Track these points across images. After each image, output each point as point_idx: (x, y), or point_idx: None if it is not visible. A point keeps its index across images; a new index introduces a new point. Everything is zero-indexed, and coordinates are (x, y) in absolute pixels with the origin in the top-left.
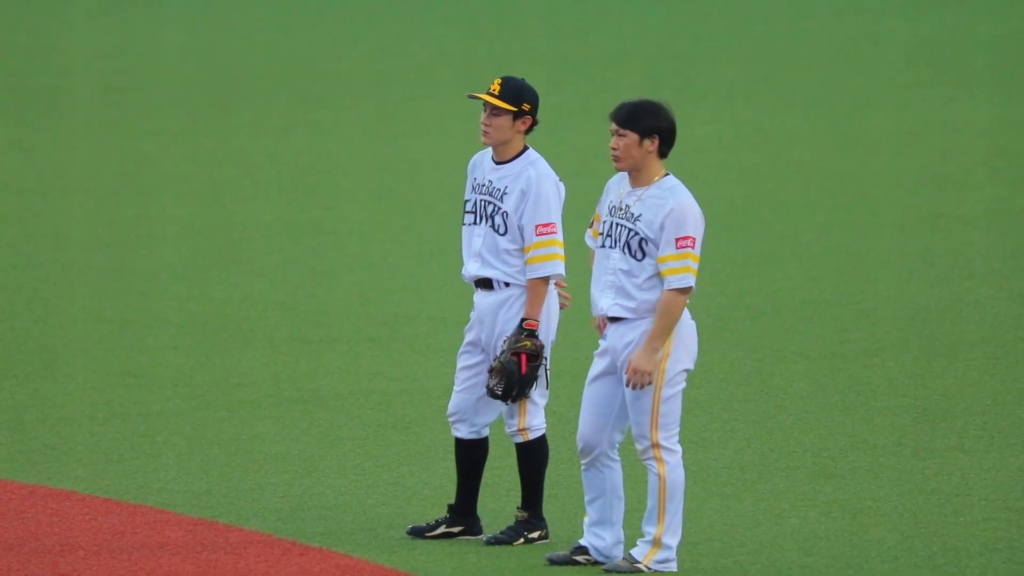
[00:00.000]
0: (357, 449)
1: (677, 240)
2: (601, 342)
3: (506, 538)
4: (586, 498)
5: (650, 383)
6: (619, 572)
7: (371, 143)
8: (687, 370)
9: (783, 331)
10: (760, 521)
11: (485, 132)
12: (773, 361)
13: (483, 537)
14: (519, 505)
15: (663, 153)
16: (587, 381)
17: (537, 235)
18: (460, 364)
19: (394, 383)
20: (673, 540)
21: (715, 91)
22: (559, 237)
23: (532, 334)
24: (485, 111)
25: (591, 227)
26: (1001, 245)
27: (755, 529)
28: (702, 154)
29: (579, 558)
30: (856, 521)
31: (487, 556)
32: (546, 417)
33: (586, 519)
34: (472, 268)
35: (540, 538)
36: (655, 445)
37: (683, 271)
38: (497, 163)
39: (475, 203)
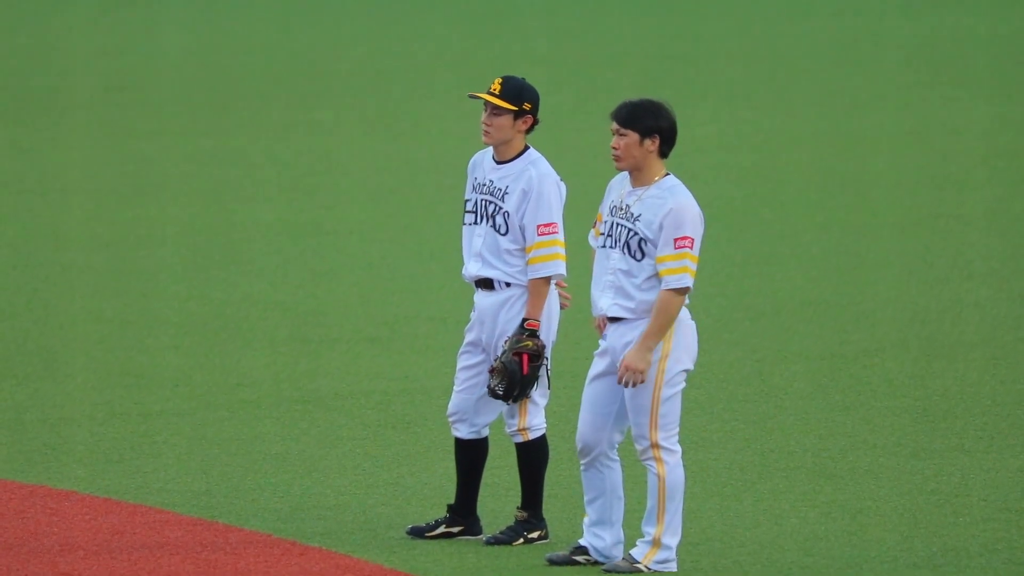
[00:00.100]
0: (357, 449)
1: (675, 240)
2: (601, 342)
3: (506, 538)
4: (586, 498)
5: (643, 381)
6: (619, 572)
7: (371, 143)
8: (687, 370)
9: (783, 332)
10: (760, 521)
11: (486, 132)
12: (773, 362)
13: (483, 537)
14: (519, 505)
15: (664, 153)
16: (587, 381)
17: (539, 235)
18: (460, 364)
19: (394, 383)
20: (673, 540)
21: (715, 91)
22: (560, 237)
23: (534, 334)
24: (486, 111)
25: (594, 227)
26: (1001, 246)
27: (755, 529)
28: (702, 154)
29: (579, 558)
30: (856, 521)
31: (487, 556)
32: (546, 417)
33: (586, 519)
34: (473, 268)
35: (540, 538)
36: (654, 445)
37: (681, 271)
38: (498, 163)
39: (475, 203)
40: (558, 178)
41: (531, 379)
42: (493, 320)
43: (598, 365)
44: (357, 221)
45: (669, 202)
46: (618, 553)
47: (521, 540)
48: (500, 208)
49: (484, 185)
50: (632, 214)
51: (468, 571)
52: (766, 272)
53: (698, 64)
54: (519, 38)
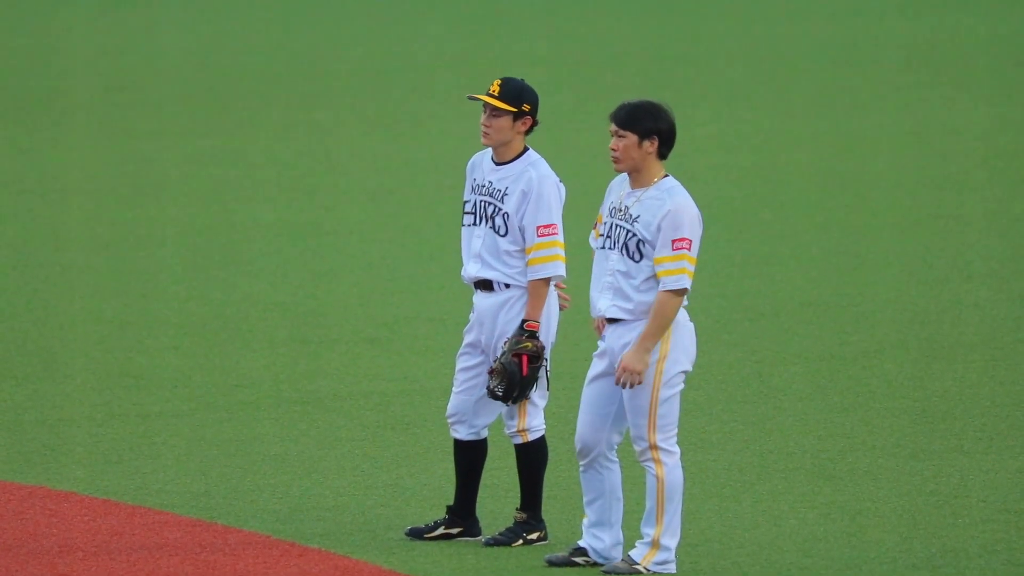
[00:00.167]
0: (356, 450)
1: (673, 242)
2: (600, 343)
3: (505, 539)
4: (585, 499)
5: (640, 382)
6: (618, 573)
7: (371, 143)
8: (685, 372)
9: (782, 332)
10: (759, 522)
11: (485, 133)
12: (772, 363)
13: (482, 538)
14: (518, 506)
15: (663, 154)
16: (586, 382)
17: (539, 236)
18: (459, 365)
19: (393, 384)
20: (672, 541)
21: (715, 92)
22: (560, 238)
23: (533, 335)
24: (485, 112)
25: (595, 228)
26: (1000, 247)
27: (754, 530)
28: (702, 155)
29: (578, 559)
30: (855, 523)
31: (486, 557)
32: (545, 418)
33: (585, 520)
34: (472, 269)
35: (539, 539)
36: (653, 447)
37: (678, 272)
38: (497, 164)
39: (475, 204)
40: (558, 179)
41: (530, 380)
42: (492, 321)
43: (597, 366)
44: (356, 222)
45: (667, 203)
46: (617, 554)
47: (520, 541)
48: (499, 209)
49: (483, 186)
50: (631, 215)
51: (467, 572)
52: (765, 273)
53: (698, 64)
54: (519, 39)
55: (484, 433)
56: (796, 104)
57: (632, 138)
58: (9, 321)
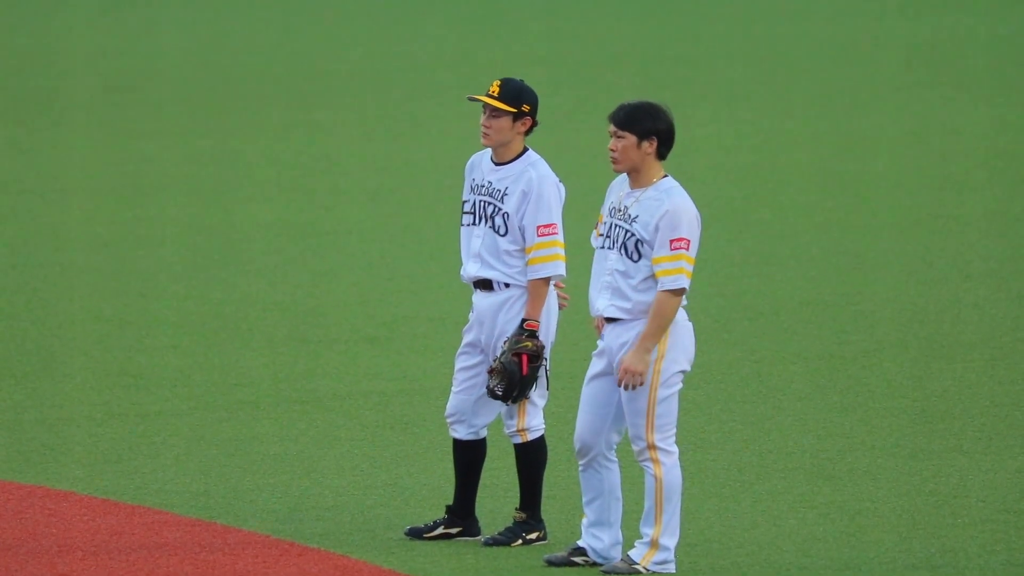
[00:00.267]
0: (355, 450)
1: (671, 242)
2: (599, 342)
3: (504, 539)
4: (584, 499)
5: (642, 383)
6: (617, 573)
7: (370, 143)
8: (683, 371)
9: (781, 332)
10: (758, 522)
11: (485, 134)
12: (771, 362)
13: (481, 538)
14: (517, 506)
15: (662, 155)
16: (585, 381)
17: (539, 236)
18: (458, 365)
19: (392, 384)
20: (671, 541)
21: (714, 92)
22: (560, 238)
23: (533, 335)
24: (485, 112)
25: (596, 228)
26: (1000, 247)
27: (753, 530)
28: (701, 155)
29: (577, 559)
30: (854, 522)
31: (485, 557)
32: (545, 418)
33: (584, 520)
34: (471, 269)
35: (538, 539)
36: (651, 446)
37: (676, 272)
38: (497, 164)
39: (474, 204)
40: (557, 179)
41: (530, 380)
42: (492, 321)
43: (596, 365)
44: (356, 221)
45: (665, 203)
46: (616, 554)
47: (520, 541)
48: (499, 209)
49: (483, 186)
50: (630, 215)
51: (467, 572)
52: (765, 272)
53: (698, 64)
54: (518, 39)
55: (483, 433)
56: (796, 104)
57: (631, 139)
58: (8, 320)
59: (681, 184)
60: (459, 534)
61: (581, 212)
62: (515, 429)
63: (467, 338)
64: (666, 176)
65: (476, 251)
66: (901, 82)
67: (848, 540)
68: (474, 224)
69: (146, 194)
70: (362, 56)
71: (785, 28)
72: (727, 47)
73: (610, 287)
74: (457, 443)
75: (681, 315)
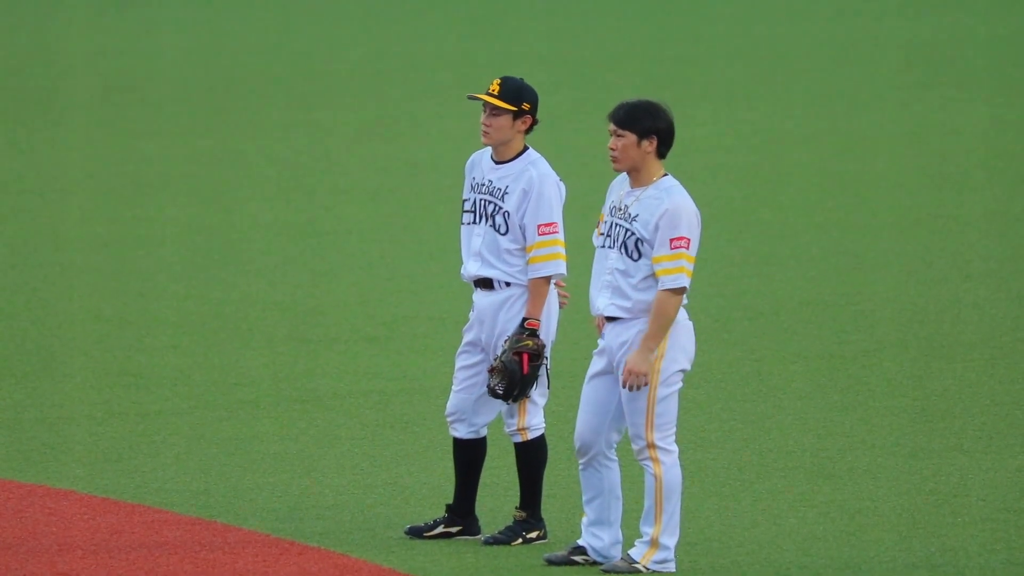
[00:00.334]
0: (355, 449)
1: (671, 241)
2: (600, 341)
3: (504, 538)
4: (584, 498)
5: (646, 384)
6: (617, 572)
7: (370, 143)
8: (683, 370)
9: (781, 332)
10: (758, 521)
11: (485, 132)
12: (771, 362)
13: (481, 537)
14: (517, 505)
15: (661, 153)
16: (585, 380)
17: (539, 235)
18: (459, 364)
19: (392, 383)
20: (671, 540)
21: (714, 92)
22: (561, 237)
23: (534, 334)
24: (485, 111)
25: (597, 227)
26: (999, 246)
27: (753, 529)
28: (701, 155)
29: (577, 558)
30: (854, 521)
31: (485, 556)
32: (545, 417)
33: (584, 519)
34: (472, 268)
35: (538, 538)
36: (650, 445)
37: (676, 271)
38: (497, 163)
39: (474, 202)
40: (558, 178)
41: (531, 378)
42: (493, 320)
43: (596, 364)
44: (356, 221)
45: (665, 202)
46: (616, 553)
47: (520, 540)
48: (500, 208)
49: (483, 185)
50: (630, 214)
51: (466, 571)
52: (765, 272)
53: (698, 64)
54: (518, 38)
55: (483, 432)
56: (796, 104)
57: (631, 137)
58: (8, 320)
59: (681, 183)
60: (459, 533)
61: (581, 211)
62: (515, 428)
63: (467, 337)
64: (666, 175)
65: (476, 250)
66: (901, 82)
67: (848, 539)
68: (474, 223)
69: (146, 194)
70: (362, 56)
71: (785, 28)
72: (727, 47)
73: (610, 286)
74: (457, 442)
75: (681, 314)
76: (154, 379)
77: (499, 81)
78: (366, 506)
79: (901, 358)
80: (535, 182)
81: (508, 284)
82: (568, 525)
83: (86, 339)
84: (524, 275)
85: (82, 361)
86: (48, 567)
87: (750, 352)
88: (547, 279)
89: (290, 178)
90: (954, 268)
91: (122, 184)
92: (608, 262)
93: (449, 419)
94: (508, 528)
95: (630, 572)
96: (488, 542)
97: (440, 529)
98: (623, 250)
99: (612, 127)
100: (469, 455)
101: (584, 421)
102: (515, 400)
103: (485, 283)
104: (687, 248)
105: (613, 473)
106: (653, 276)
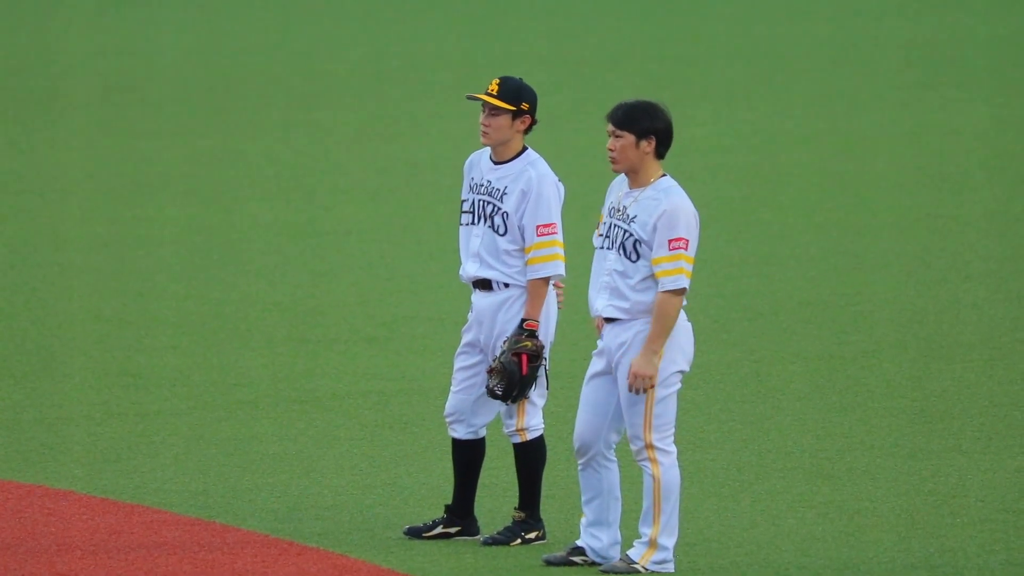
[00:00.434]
0: (354, 449)
1: (670, 242)
2: (599, 342)
3: (503, 539)
4: (583, 498)
5: (652, 386)
6: (616, 573)
7: (370, 143)
8: (682, 371)
9: (781, 332)
10: (757, 522)
11: (484, 132)
12: (770, 362)
13: (480, 538)
14: (516, 506)
15: (660, 154)
16: (584, 380)
17: (538, 235)
18: (458, 365)
19: (392, 383)
20: (669, 541)
21: (714, 92)
22: (559, 237)
23: (532, 334)
24: (484, 111)
25: (597, 228)
26: (999, 247)
27: (752, 530)
28: (700, 155)
29: (576, 559)
30: (853, 522)
31: (484, 557)
32: (544, 418)
33: (583, 520)
34: (471, 269)
35: (537, 539)
36: (649, 446)
37: (676, 272)
38: (496, 163)
39: (473, 203)
40: (556, 179)
41: (530, 379)
42: (491, 320)
43: (596, 364)
44: (355, 221)
45: (663, 203)
46: (615, 554)
47: (519, 541)
48: (499, 208)
49: (482, 185)
50: (628, 215)
51: (465, 572)
52: (764, 272)
53: (698, 64)
54: (518, 38)
55: (482, 432)
56: (795, 104)
57: (629, 138)
58: (8, 320)
59: (680, 184)
60: (458, 533)
61: (581, 212)
62: (514, 429)
63: (466, 338)
64: (664, 175)
65: (475, 251)
66: (900, 82)
67: (847, 540)
68: (473, 223)
69: (146, 194)
70: (362, 56)
71: (785, 28)
72: (727, 47)
73: (608, 287)
74: (456, 443)
75: (680, 315)
76: (153, 379)
77: (498, 81)
78: (365, 506)
79: (900, 359)
80: (534, 183)
81: (507, 285)
82: (567, 526)
83: (86, 339)
84: (523, 276)
85: (81, 361)
86: (47, 567)
87: (749, 353)
88: (546, 280)
89: (290, 178)
90: (953, 268)
91: (122, 184)
92: (607, 263)
93: (448, 420)
94: (507, 529)
95: (629, 573)
96: (487, 543)
97: (439, 530)
98: (621, 251)
99: (610, 128)
100: (468, 456)
101: (583, 422)
102: (514, 401)
103: (484, 284)
104: (686, 249)
105: (612, 474)
106: (652, 277)
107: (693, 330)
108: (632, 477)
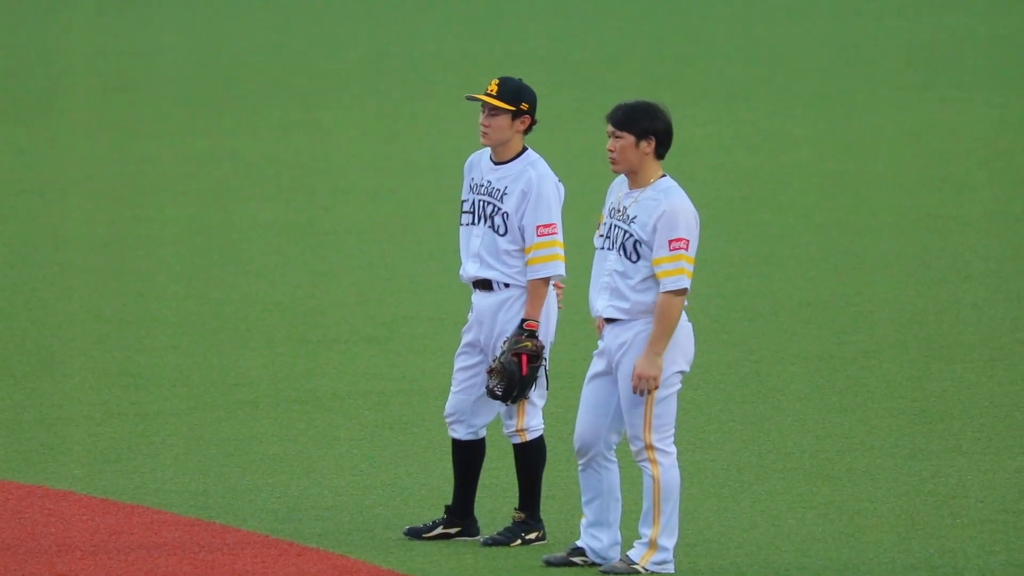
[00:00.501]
0: (354, 450)
1: (670, 242)
2: (600, 342)
3: (503, 539)
4: (583, 499)
5: (656, 387)
6: (616, 573)
7: (370, 143)
8: (682, 372)
9: (781, 332)
10: (757, 522)
11: (484, 133)
12: (771, 363)
13: (480, 538)
14: (516, 506)
15: (660, 154)
16: (585, 381)
17: (538, 236)
18: (458, 365)
19: (392, 383)
20: (669, 542)
21: (714, 92)
22: (560, 238)
23: (532, 335)
24: (484, 112)
25: (597, 229)
26: (999, 247)
27: (752, 530)
28: (700, 155)
29: (576, 559)
30: (853, 523)
31: (484, 557)
32: (544, 418)
33: (583, 520)
34: (471, 269)
35: (537, 539)
36: (648, 447)
37: (677, 273)
38: (496, 163)
39: (473, 203)
40: (557, 179)
41: (530, 380)
42: (492, 321)
43: (596, 365)
44: (355, 221)
45: (663, 204)
46: (615, 554)
47: (519, 541)
48: (499, 209)
49: (482, 186)
50: (628, 216)
51: (465, 572)
52: (764, 273)
53: (698, 64)
54: (518, 39)
55: (482, 433)
56: (796, 104)
57: (629, 139)
58: (8, 320)
59: (680, 184)
60: (458, 534)
61: (581, 212)
62: (514, 429)
63: (466, 338)
64: (664, 176)
65: (475, 251)
66: (900, 82)
67: (847, 540)
68: (473, 224)
69: (146, 194)
70: (362, 56)
71: (785, 28)
72: (727, 47)
73: (609, 288)
74: (456, 443)
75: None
76: (153, 379)
77: (497, 81)
78: (365, 507)
79: (900, 359)
80: (534, 183)
81: (507, 285)
82: (567, 526)
83: (86, 339)
84: (523, 276)
85: (81, 361)
86: (47, 568)
87: (749, 353)
88: (546, 280)
89: (290, 178)
90: (953, 268)
91: (122, 184)
92: (607, 263)
93: (448, 420)
94: (507, 529)
95: (629, 573)
96: (487, 543)
97: (439, 530)
98: (622, 252)
99: (610, 128)
100: (468, 456)
101: (584, 422)
102: (514, 401)
103: (484, 284)
104: (686, 249)
105: (612, 474)
106: (652, 278)
107: (693, 330)
108: (632, 478)
